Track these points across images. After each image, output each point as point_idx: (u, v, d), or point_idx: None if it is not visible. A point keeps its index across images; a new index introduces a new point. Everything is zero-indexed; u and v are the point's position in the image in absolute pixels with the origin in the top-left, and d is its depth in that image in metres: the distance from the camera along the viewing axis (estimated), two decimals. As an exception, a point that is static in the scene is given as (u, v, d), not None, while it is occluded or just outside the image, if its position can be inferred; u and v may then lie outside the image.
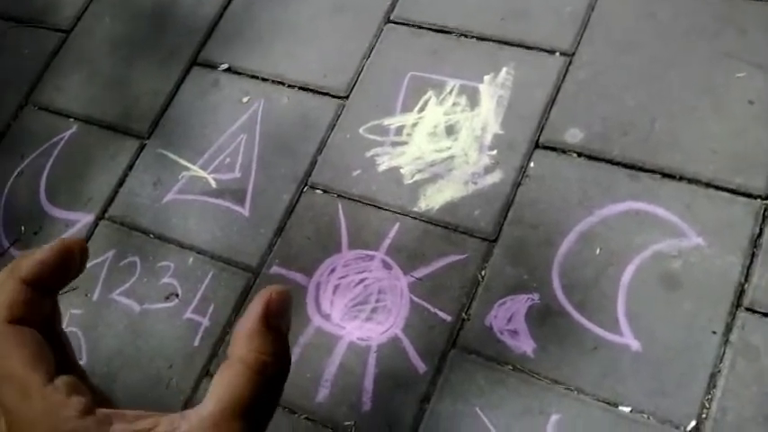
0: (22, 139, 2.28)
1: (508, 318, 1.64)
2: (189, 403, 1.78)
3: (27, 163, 2.23)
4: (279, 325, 0.39)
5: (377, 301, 1.75)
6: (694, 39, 1.82)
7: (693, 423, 1.46)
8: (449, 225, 1.78)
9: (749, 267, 1.57)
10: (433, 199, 1.81)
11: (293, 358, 1.70)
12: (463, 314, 1.68)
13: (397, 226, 1.81)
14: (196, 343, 1.83)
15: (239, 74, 2.16)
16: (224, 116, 2.10)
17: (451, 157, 1.85)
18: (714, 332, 1.52)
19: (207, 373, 1.80)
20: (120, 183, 2.11)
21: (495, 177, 1.80)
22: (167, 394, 1.80)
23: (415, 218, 1.81)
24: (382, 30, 2.08)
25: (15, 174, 2.22)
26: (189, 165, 2.06)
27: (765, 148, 1.67)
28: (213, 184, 2.01)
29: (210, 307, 1.86)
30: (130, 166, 2.12)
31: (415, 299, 1.72)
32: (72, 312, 1.95)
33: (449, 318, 1.68)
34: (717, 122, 1.72)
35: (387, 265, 1.77)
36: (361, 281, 1.78)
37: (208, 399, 0.37)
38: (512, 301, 1.66)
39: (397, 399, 1.65)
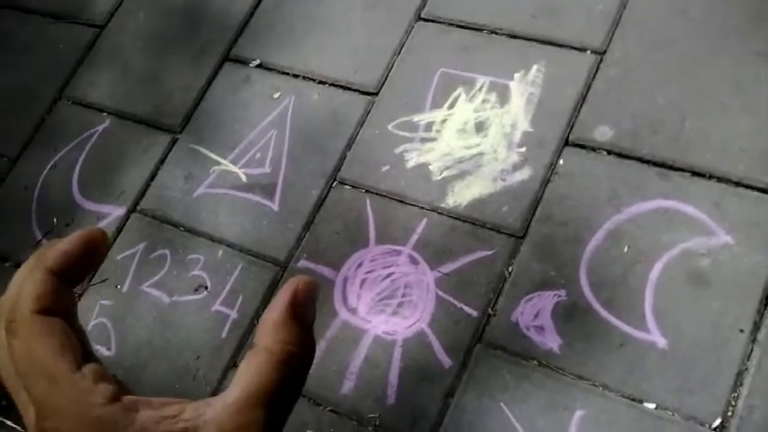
0: (56, 132, 2.31)
1: (534, 314, 1.64)
2: (215, 395, 1.79)
3: (60, 156, 2.26)
4: (305, 315, 0.39)
5: (403, 295, 1.75)
6: (726, 37, 1.81)
7: (719, 421, 1.45)
8: (476, 221, 1.78)
9: (779, 266, 1.56)
10: (461, 195, 1.82)
11: (319, 351, 1.71)
12: (489, 310, 1.68)
13: (424, 221, 1.81)
14: (224, 335, 1.85)
15: (270, 70, 2.18)
16: (255, 112, 2.12)
17: (480, 154, 1.85)
18: (741, 330, 1.51)
19: (234, 365, 1.82)
20: (152, 176, 2.13)
21: (523, 174, 1.80)
22: (194, 385, 1.82)
23: (443, 214, 1.81)
24: (413, 27, 2.09)
25: (49, 167, 2.25)
26: (220, 159, 2.08)
27: (797, 148, 1.66)
28: (243, 178, 2.03)
29: (239, 299, 1.87)
30: (162, 160, 2.15)
31: (442, 294, 1.72)
32: (102, 303, 1.97)
33: (475, 313, 1.68)
34: (747, 121, 1.70)
35: (414, 261, 1.78)
36: (388, 275, 1.78)
37: (233, 386, 0.37)
38: (538, 298, 1.65)
39: (421, 393, 1.65)
